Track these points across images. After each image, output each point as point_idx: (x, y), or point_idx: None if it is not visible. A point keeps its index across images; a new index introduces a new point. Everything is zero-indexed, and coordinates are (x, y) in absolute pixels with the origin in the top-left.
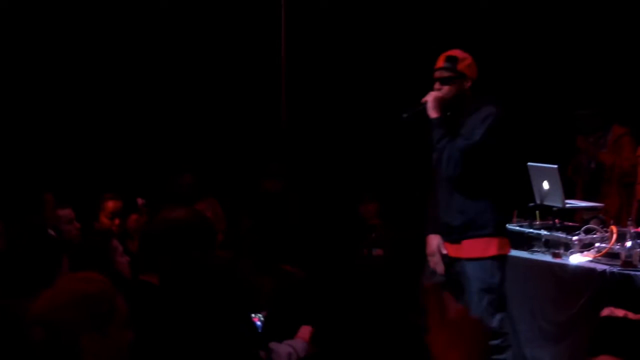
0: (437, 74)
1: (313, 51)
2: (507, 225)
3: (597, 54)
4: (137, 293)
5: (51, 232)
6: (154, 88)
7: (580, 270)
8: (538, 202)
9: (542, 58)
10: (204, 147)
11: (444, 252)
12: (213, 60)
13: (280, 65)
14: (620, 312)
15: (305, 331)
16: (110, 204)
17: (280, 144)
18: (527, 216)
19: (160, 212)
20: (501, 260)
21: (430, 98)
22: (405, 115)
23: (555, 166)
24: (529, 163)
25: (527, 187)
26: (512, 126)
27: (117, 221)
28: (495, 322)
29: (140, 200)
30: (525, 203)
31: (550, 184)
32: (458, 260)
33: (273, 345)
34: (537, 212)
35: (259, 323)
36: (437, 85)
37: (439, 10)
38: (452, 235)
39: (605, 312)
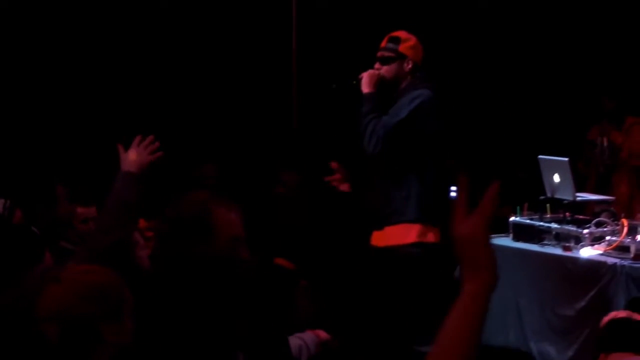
0: (379, 53)
1: (325, 47)
2: (436, 212)
3: (612, 45)
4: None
5: (34, 229)
6: (163, 86)
7: (590, 263)
8: (549, 195)
9: (555, 51)
10: (215, 145)
11: None
12: (224, 57)
13: (292, 61)
14: (622, 314)
15: (319, 331)
16: None
17: (292, 140)
18: (537, 209)
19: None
20: (423, 247)
21: (365, 74)
22: (334, 86)
23: (566, 159)
24: (539, 156)
25: (537, 180)
26: (442, 112)
27: None
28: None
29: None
30: (535, 196)
31: (561, 176)
32: (384, 249)
33: None
34: (548, 205)
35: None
36: (376, 65)
37: (453, 3)
38: (379, 223)
39: (609, 316)
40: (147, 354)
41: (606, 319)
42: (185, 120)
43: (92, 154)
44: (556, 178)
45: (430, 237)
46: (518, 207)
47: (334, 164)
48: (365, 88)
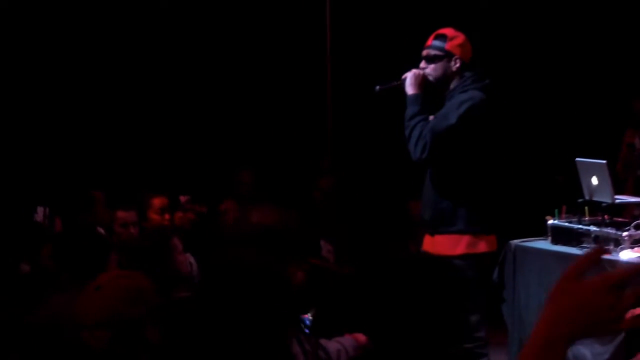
0: (424, 52)
1: (359, 47)
2: (487, 221)
3: None
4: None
5: (100, 230)
6: (199, 92)
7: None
8: (587, 197)
9: (590, 51)
10: (251, 151)
11: None
12: (258, 62)
13: (326, 64)
14: None
15: (358, 335)
16: (157, 201)
17: (328, 140)
18: (576, 212)
19: (246, 214)
20: (473, 258)
21: (409, 74)
22: (378, 87)
23: (604, 161)
24: (577, 159)
25: (575, 183)
26: (494, 118)
27: (167, 216)
28: (470, 323)
29: (183, 198)
30: (574, 199)
31: (599, 179)
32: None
33: (322, 342)
34: (586, 208)
35: (307, 321)
36: (422, 64)
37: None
38: (428, 229)
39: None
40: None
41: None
42: (221, 126)
43: (129, 159)
44: (594, 180)
45: (481, 247)
46: (556, 210)
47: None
48: (409, 89)
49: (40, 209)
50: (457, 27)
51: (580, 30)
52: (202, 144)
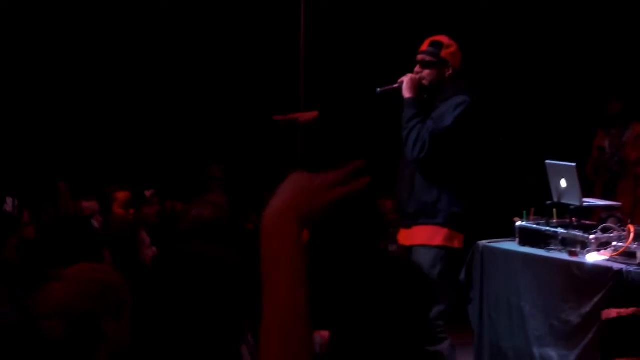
0: (420, 57)
1: (332, 48)
2: (464, 219)
3: (618, 49)
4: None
5: (95, 223)
6: (168, 87)
7: (596, 269)
8: (555, 200)
9: (561, 54)
10: (222, 146)
11: None
12: (230, 58)
13: (299, 60)
14: (629, 311)
15: (323, 332)
16: (121, 195)
17: (298, 139)
18: (544, 214)
19: (190, 210)
20: (447, 252)
21: (406, 79)
22: (379, 89)
23: (573, 164)
24: (547, 161)
25: (544, 185)
26: (480, 120)
27: (132, 210)
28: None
29: (148, 192)
30: (542, 201)
31: (567, 182)
32: (410, 248)
33: None
34: (554, 210)
35: None
36: (417, 69)
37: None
38: (406, 221)
39: (612, 313)
40: (148, 352)
41: (609, 316)
42: (192, 121)
43: (99, 154)
44: (563, 183)
45: (456, 243)
46: (525, 212)
47: None
48: (406, 93)
49: (9, 200)
50: (425, 27)
51: (552, 33)
52: (172, 139)
